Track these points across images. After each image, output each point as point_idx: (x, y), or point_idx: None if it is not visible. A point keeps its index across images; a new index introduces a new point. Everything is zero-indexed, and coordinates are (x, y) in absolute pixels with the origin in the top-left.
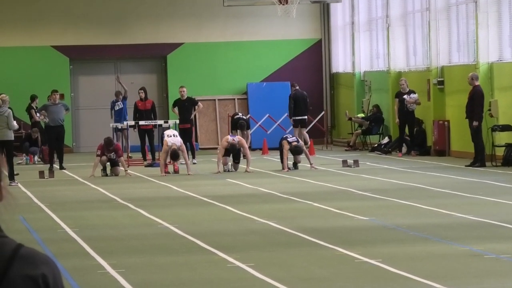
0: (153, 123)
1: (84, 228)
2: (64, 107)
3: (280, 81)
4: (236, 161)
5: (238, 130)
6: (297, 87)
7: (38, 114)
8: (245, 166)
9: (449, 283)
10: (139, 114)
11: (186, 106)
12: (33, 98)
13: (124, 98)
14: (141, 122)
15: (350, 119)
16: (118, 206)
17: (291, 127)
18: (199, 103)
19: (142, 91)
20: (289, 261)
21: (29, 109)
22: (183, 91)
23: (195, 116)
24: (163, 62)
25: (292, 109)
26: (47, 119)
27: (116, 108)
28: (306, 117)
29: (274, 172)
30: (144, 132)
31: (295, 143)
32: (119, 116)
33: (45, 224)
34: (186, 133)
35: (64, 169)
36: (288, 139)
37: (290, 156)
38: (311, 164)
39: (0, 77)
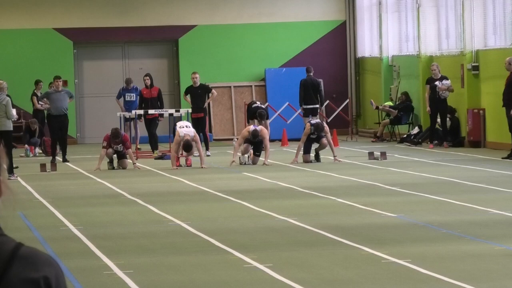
0: (162, 112)
1: (89, 225)
2: (67, 94)
3: (301, 66)
4: (257, 153)
5: (256, 120)
6: (311, 73)
7: (40, 102)
8: (263, 159)
9: (484, 285)
10: (144, 102)
11: (199, 94)
12: (37, 83)
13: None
14: (151, 111)
15: (377, 108)
16: (125, 201)
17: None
18: (213, 91)
19: (148, 77)
20: (311, 262)
21: (32, 95)
22: (196, 78)
23: (208, 104)
24: (174, 46)
25: (302, 97)
26: (50, 108)
27: (127, 98)
28: (317, 106)
29: (294, 165)
30: (149, 122)
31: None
32: (130, 106)
33: (47, 221)
34: (199, 123)
35: (68, 161)
36: (311, 121)
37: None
38: (334, 156)
39: None
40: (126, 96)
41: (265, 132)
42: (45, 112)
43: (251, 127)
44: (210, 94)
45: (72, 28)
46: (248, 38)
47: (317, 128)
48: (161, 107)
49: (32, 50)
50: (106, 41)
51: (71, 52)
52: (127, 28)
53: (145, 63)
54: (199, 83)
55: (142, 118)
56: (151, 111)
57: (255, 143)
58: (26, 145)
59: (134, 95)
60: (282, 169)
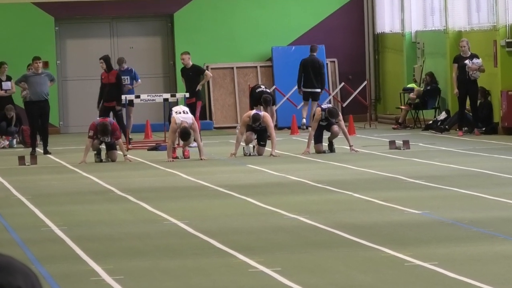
0: (156, 97)
1: (74, 225)
2: (48, 77)
3: (312, 44)
4: (262, 143)
5: (261, 107)
6: (314, 53)
7: (5, 88)
8: (270, 149)
9: None
10: (104, 89)
11: (191, 76)
12: (0, 65)
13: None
14: (143, 96)
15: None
16: (115, 198)
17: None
18: (207, 72)
19: (103, 60)
20: (324, 265)
21: None
22: (184, 59)
23: (208, 88)
24: (169, 22)
25: (301, 79)
26: (28, 93)
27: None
28: (318, 90)
29: (305, 156)
30: (109, 110)
31: (330, 106)
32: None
33: (26, 221)
34: (191, 109)
35: (49, 153)
36: (322, 105)
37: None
38: (350, 146)
39: None
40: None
41: (269, 119)
42: (21, 99)
43: (252, 111)
44: (203, 76)
45: (54, 2)
46: (252, 12)
47: (331, 113)
48: (118, 94)
49: (8, 27)
50: (91, 17)
51: (52, 29)
52: (116, 1)
53: (136, 41)
54: (191, 64)
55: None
56: (149, 96)
57: (259, 132)
58: (2, 137)
59: (128, 78)
60: (291, 161)
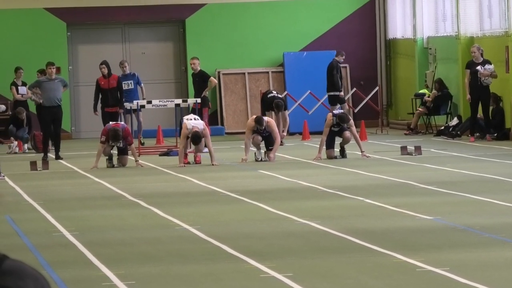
0: (167, 103)
1: (86, 231)
2: (61, 83)
3: (324, 50)
4: (271, 148)
5: (273, 112)
6: (336, 57)
7: (21, 93)
8: (285, 156)
9: None
10: (102, 94)
11: (196, 82)
12: (16, 70)
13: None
14: (155, 102)
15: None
16: (127, 204)
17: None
18: (212, 78)
19: (104, 65)
20: (336, 271)
21: (11, 85)
22: (194, 64)
23: (220, 94)
24: (181, 28)
25: (337, 81)
26: (41, 99)
27: (125, 86)
28: (328, 94)
29: (316, 161)
30: (110, 116)
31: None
32: (128, 95)
33: (37, 226)
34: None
35: (61, 159)
36: (334, 111)
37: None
38: (362, 151)
39: None
40: (123, 85)
41: (273, 124)
42: (32, 103)
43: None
44: (209, 82)
45: (66, 8)
46: (264, 18)
47: (342, 119)
48: (121, 98)
49: (21, 33)
50: (104, 23)
51: (64, 35)
52: (128, 7)
53: (148, 47)
54: (198, 70)
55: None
56: (161, 102)
57: (266, 138)
58: (13, 139)
59: (132, 82)
60: (302, 166)
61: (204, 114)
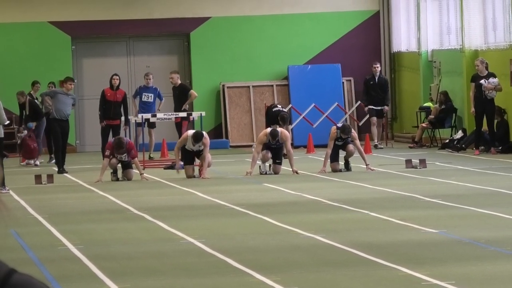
0: (178, 116)
1: (91, 244)
2: (73, 100)
3: (328, 63)
4: (278, 161)
5: (277, 126)
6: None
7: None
8: (289, 168)
9: None
10: (106, 105)
11: (177, 95)
12: (33, 84)
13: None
14: (159, 115)
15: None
16: (131, 217)
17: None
18: (192, 91)
19: (118, 77)
20: (341, 284)
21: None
22: (173, 78)
23: (224, 107)
24: (185, 41)
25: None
26: (51, 108)
27: (144, 98)
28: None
29: (321, 174)
30: (109, 128)
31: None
32: (146, 108)
33: (42, 240)
34: (178, 129)
35: (66, 172)
36: (338, 124)
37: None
38: (366, 164)
39: None
40: (143, 96)
41: (286, 135)
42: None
43: (269, 129)
44: (188, 96)
45: (71, 22)
46: (268, 31)
47: (344, 130)
48: (125, 113)
49: (25, 47)
50: (108, 36)
51: (69, 48)
52: (132, 21)
53: (152, 60)
54: (179, 83)
55: (104, 123)
56: (170, 115)
57: (275, 150)
58: (22, 128)
59: (153, 96)
60: (307, 180)
61: (183, 128)
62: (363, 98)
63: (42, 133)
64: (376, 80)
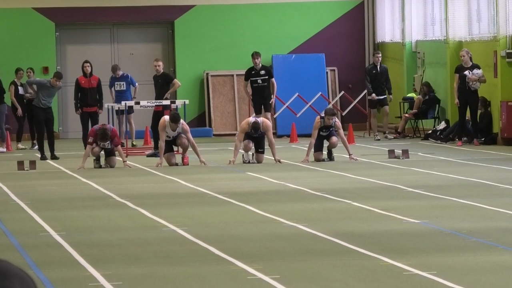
0: (161, 103)
1: (73, 231)
2: (59, 90)
3: (313, 52)
4: (260, 150)
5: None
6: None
7: (21, 93)
8: (272, 157)
9: None
10: (82, 93)
11: (159, 84)
12: (17, 71)
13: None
14: (143, 103)
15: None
16: (114, 204)
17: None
18: (175, 80)
19: (89, 64)
20: (323, 273)
21: (10, 84)
22: (159, 65)
23: (208, 96)
24: (169, 29)
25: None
26: (34, 96)
27: (117, 87)
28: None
29: (304, 164)
30: (88, 116)
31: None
32: (120, 96)
33: (24, 226)
34: (157, 118)
35: (57, 158)
36: (322, 113)
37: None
38: (350, 154)
39: None
40: (116, 85)
41: (268, 124)
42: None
43: (251, 119)
44: (172, 85)
45: (54, 8)
46: (253, 20)
47: (327, 111)
48: (100, 99)
49: (9, 33)
50: (92, 23)
51: (52, 35)
52: (117, 8)
53: (136, 47)
54: (161, 72)
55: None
56: (155, 103)
57: (257, 139)
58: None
59: (125, 84)
60: (290, 169)
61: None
62: (368, 87)
63: (3, 119)
64: (378, 69)
